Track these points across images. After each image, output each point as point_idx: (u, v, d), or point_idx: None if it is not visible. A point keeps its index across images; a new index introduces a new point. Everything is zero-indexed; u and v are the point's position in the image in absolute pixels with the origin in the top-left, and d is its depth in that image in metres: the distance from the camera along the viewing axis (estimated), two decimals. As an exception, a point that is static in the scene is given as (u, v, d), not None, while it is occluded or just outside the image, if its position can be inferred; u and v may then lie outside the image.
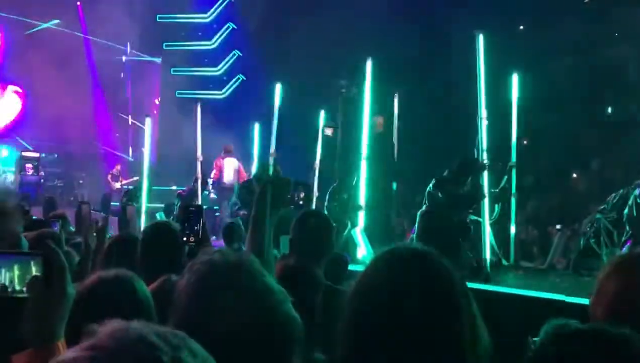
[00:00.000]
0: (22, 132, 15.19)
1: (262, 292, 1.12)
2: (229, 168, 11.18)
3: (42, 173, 14.95)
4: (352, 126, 9.01)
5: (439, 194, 6.61)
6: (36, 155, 14.75)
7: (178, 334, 0.71)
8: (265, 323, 1.09)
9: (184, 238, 2.25)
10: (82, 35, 16.52)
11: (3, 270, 1.17)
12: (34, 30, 15.64)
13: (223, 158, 11.26)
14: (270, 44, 13.85)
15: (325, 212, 8.81)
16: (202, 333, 0.75)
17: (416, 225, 6.82)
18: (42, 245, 1.20)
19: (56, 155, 15.70)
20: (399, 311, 1.20)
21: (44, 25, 15.69)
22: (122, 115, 16.70)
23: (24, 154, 14.68)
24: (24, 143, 15.22)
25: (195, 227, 2.26)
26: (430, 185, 6.77)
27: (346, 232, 7.92)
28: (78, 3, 16.16)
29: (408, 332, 1.18)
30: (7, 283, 1.18)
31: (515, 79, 8.36)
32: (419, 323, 1.19)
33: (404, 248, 1.38)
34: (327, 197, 8.76)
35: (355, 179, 8.50)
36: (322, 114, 10.45)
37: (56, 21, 15.74)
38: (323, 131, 10.41)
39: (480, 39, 7.10)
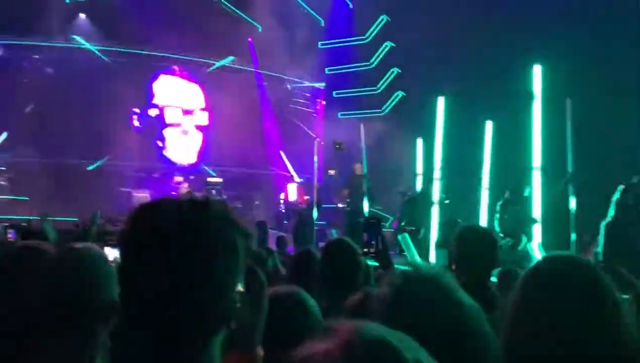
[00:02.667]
0: (206, 160, 16.85)
1: (454, 305, 1.18)
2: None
3: (224, 196, 16.41)
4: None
5: (629, 202, 6.01)
6: (219, 180, 16.25)
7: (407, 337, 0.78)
8: (457, 335, 1.13)
9: (365, 250, 2.34)
10: (254, 68, 17.91)
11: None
12: (213, 68, 17.32)
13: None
14: (431, 58, 13.74)
15: (497, 225, 8.47)
16: None
17: (600, 238, 6.26)
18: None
19: (236, 180, 17.12)
20: (556, 321, 1.27)
21: (221, 62, 17.30)
22: (290, 140, 17.70)
23: (209, 179, 16.26)
24: (208, 170, 16.87)
25: (375, 239, 2.33)
26: (617, 192, 6.18)
27: (521, 245, 7.52)
28: (249, 39, 17.56)
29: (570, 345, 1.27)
30: None
31: None
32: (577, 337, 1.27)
33: (563, 257, 1.43)
34: (497, 209, 8.41)
35: (528, 190, 8.06)
36: (490, 125, 10.10)
37: (231, 58, 17.28)
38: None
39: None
